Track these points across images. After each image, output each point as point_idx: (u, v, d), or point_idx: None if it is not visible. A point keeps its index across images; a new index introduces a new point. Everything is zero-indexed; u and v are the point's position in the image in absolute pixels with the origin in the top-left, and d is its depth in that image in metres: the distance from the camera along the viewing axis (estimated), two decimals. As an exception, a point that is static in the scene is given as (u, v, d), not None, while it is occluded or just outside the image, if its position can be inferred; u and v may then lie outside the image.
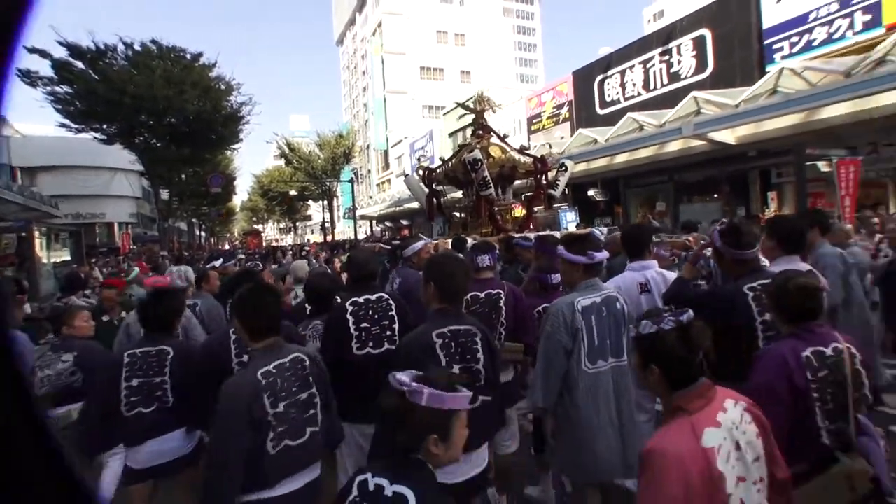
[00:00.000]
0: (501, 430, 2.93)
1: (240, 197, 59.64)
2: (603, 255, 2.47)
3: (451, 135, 27.52)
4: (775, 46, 12.63)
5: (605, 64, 17.62)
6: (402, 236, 11.49)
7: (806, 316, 1.84)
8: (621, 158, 14.52)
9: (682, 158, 13.16)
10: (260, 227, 60.39)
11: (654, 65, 15.84)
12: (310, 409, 1.87)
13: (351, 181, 35.41)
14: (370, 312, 2.63)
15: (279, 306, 2.03)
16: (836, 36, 11.45)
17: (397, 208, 27.76)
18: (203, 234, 44.50)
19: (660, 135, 12.53)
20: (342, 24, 69.17)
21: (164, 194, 24.44)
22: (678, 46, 15.05)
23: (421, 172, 8.38)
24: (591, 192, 16.50)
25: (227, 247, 46.37)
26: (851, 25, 11.16)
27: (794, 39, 12.24)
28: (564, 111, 19.56)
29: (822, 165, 9.74)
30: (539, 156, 7.58)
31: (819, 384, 1.74)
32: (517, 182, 8.06)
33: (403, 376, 1.19)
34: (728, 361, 2.28)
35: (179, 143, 19.85)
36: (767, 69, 12.03)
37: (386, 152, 44.08)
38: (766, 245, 2.74)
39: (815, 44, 11.84)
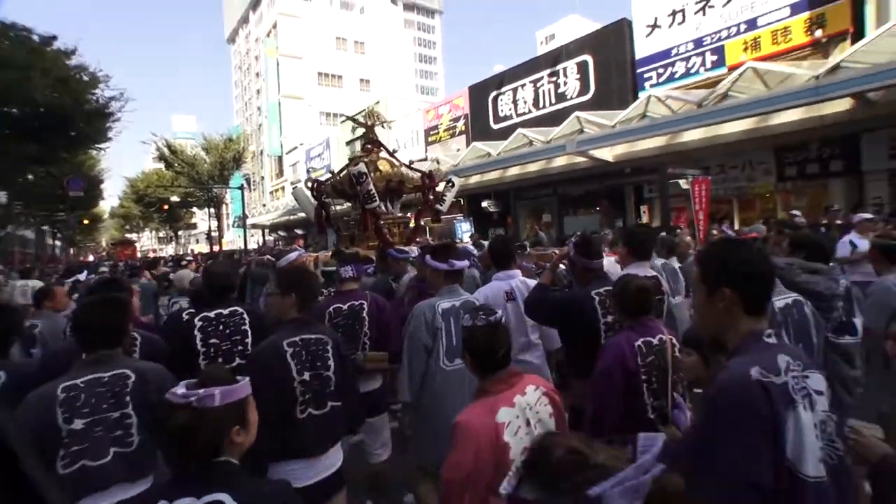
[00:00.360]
0: (372, 438, 2.97)
1: (109, 202, 53.87)
2: (462, 263, 2.73)
3: (348, 143, 27.13)
4: (646, 75, 14.15)
5: (499, 81, 18.55)
6: (297, 246, 11.15)
7: (641, 311, 2.19)
8: (513, 172, 15.31)
9: (566, 173, 14.19)
10: (135, 236, 54.89)
11: (543, 84, 16.97)
12: (117, 430, 1.77)
13: (241, 188, 33.46)
14: (220, 327, 2.59)
15: (117, 319, 1.95)
16: (692, 70, 13.13)
17: (291, 217, 26.67)
18: (59, 243, 39.14)
19: (546, 151, 13.42)
20: (234, 21, 65.48)
21: (3, 197, 21.10)
22: (564, 69, 16.28)
23: (310, 184, 8.28)
24: (484, 204, 17.18)
25: (91, 258, 41.21)
26: (703, 63, 12.88)
27: (661, 71, 13.83)
28: (461, 124, 20.22)
29: (683, 183, 11.04)
30: (427, 171, 7.75)
31: (647, 368, 2.08)
32: (409, 196, 8.18)
33: (180, 389, 1.18)
34: (582, 359, 2.53)
35: (24, 139, 17.19)
36: (639, 95, 13.45)
37: (280, 159, 42.24)
38: (621, 252, 3.22)
39: (676, 76, 13.47)
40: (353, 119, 8.76)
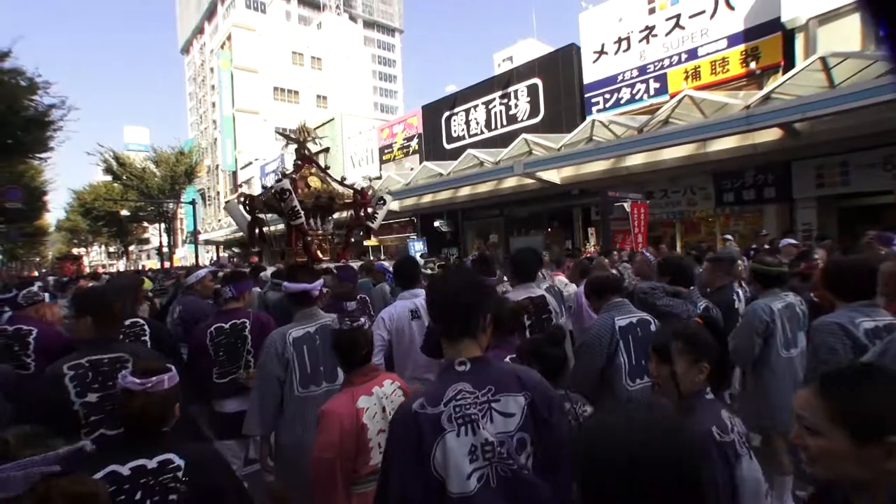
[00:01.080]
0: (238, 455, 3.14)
1: (56, 215, 51.25)
2: (300, 286, 2.68)
3: (303, 159, 26.59)
4: (593, 100, 14.43)
5: (452, 101, 18.57)
6: (251, 263, 10.89)
7: (511, 331, 2.41)
8: (464, 192, 15.24)
9: (514, 194, 14.24)
10: (83, 250, 52.31)
11: (495, 106, 17.09)
12: None
13: (192, 203, 32.26)
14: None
15: None
16: (637, 97, 13.46)
17: (244, 234, 25.74)
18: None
19: (494, 172, 13.42)
20: (188, 31, 64.05)
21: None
22: (515, 91, 16.45)
23: (242, 199, 8.07)
24: (437, 223, 17.03)
25: (35, 273, 38.73)
26: (647, 90, 13.23)
27: (607, 96, 14.13)
28: (414, 143, 20.12)
29: (627, 206, 11.19)
30: (359, 188, 7.62)
31: None
32: (343, 213, 8.02)
33: (133, 378, 1.44)
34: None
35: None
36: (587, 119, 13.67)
37: (234, 174, 41.10)
38: (509, 274, 3.61)
39: (622, 101, 13.78)
40: (283, 135, 8.58)
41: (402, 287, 3.47)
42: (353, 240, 7.82)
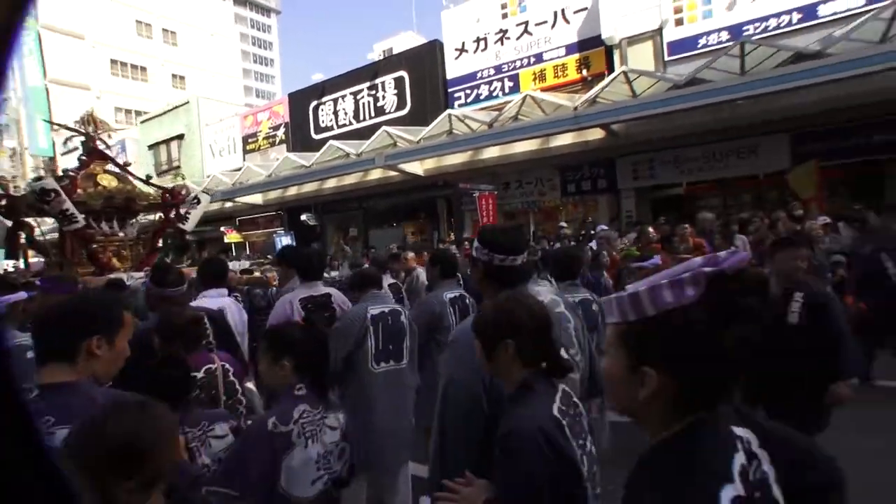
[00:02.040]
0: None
1: None
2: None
3: (151, 147, 24.84)
4: (456, 95, 15.81)
5: (320, 90, 18.93)
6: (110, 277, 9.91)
7: (196, 342, 2.43)
8: (330, 184, 15.84)
9: (380, 186, 15.18)
10: None
11: (363, 97, 17.83)
12: None
13: None
14: None
15: None
16: (493, 94, 15.08)
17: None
18: None
19: (356, 164, 14.23)
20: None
21: None
22: (383, 83, 17.35)
23: None
24: (303, 217, 17.36)
25: None
26: (503, 88, 14.92)
27: (468, 92, 15.60)
28: (281, 133, 20.13)
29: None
30: (169, 187, 7.40)
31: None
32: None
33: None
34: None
35: None
36: (452, 113, 15.03)
37: (53, 159, 35.94)
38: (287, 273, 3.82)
39: (481, 97, 15.33)
40: (63, 126, 7.96)
41: (206, 287, 3.43)
42: (160, 244, 7.62)
